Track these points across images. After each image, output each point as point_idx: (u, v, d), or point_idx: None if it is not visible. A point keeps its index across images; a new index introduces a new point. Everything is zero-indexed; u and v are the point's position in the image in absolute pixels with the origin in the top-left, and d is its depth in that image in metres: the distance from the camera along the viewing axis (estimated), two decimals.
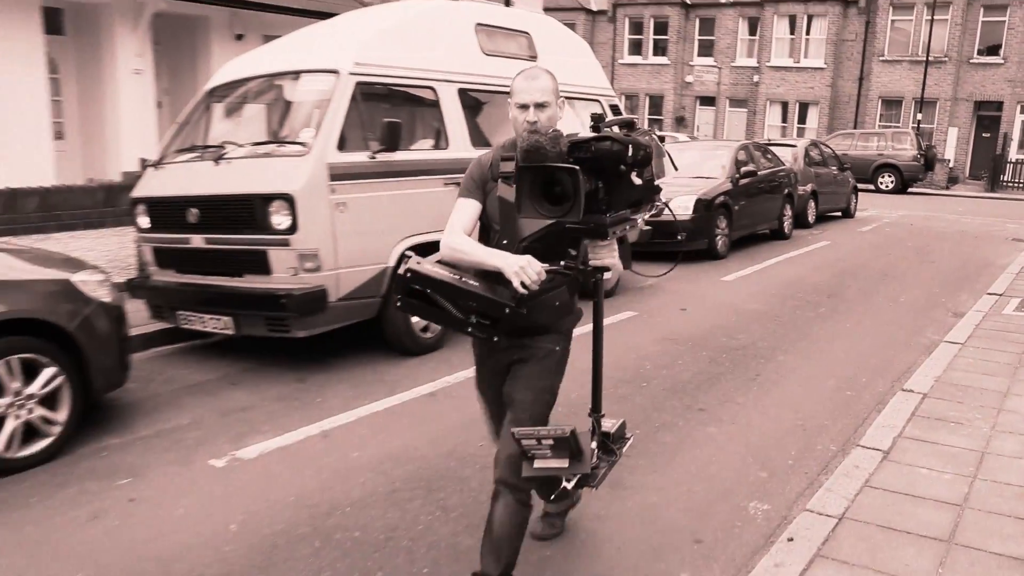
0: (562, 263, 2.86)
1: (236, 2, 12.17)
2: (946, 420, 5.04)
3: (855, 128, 33.63)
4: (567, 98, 8.60)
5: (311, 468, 4.51)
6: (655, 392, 5.89)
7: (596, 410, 3.27)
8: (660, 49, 39.73)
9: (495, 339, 2.87)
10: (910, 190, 27.34)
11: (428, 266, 2.77)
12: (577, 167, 2.59)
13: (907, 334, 7.75)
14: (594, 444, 3.03)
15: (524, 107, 2.93)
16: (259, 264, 6.04)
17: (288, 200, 5.86)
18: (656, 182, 3.12)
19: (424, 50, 7.12)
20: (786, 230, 14.55)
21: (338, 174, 6.05)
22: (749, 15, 37.77)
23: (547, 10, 19.65)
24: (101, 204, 8.66)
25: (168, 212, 6.51)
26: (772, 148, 15.94)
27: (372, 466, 4.53)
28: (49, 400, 4.66)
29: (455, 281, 2.74)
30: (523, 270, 2.65)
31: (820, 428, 5.23)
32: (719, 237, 12.05)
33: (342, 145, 6.18)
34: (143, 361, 6.40)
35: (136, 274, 7.16)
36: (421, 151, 7.08)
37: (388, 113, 6.64)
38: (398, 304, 2.90)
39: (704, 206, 11.64)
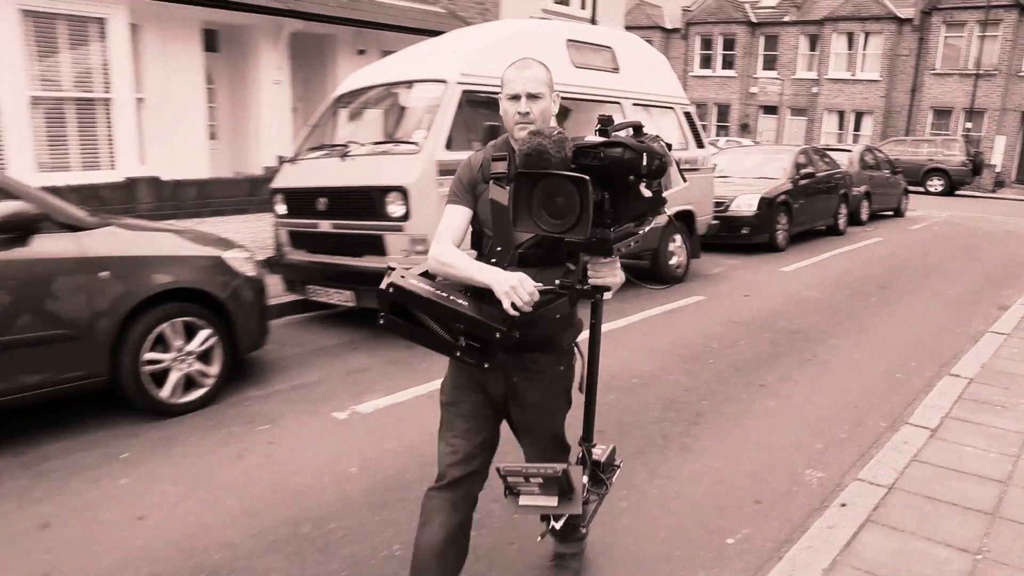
0: (557, 282, 2.24)
1: (360, 23, 12.31)
2: (991, 403, 4.77)
3: (907, 135, 32.17)
4: (645, 105, 8.61)
5: (418, 423, 4.55)
6: (720, 368, 5.75)
7: (587, 439, 2.58)
8: (727, 63, 38.76)
9: (485, 366, 2.21)
10: (958, 192, 25.98)
11: (413, 281, 2.17)
12: (587, 177, 2.01)
13: (954, 324, 7.37)
14: (585, 478, 2.48)
15: (515, 98, 2.34)
16: (376, 246, 6.12)
17: (403, 192, 5.94)
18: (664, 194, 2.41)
19: None
20: (841, 227, 14.00)
21: (445, 170, 6.07)
22: (810, 32, 36.46)
23: (627, 28, 19.34)
24: (246, 194, 8.92)
25: (301, 201, 6.66)
26: (829, 152, 15.35)
27: None
28: (204, 357, 4.83)
29: (441, 299, 2.14)
30: (514, 290, 2.08)
31: (871, 407, 5.01)
32: (779, 232, 11.67)
33: (449, 145, 6.22)
34: (279, 327, 6.56)
35: (274, 253, 7.34)
36: None
37: (488, 117, 6.59)
38: (381, 322, 2.23)
39: (767, 204, 11.29)
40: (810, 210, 12.71)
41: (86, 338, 4.29)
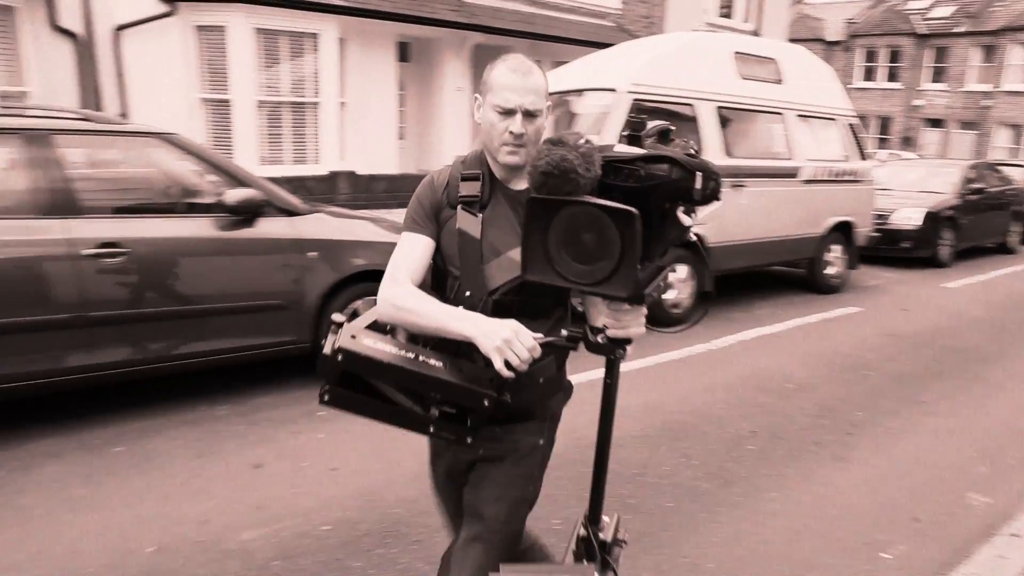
0: (565, 332, 1.63)
1: (535, 36, 12.46)
2: None
3: None
4: (807, 117, 8.17)
5: (580, 408, 4.49)
6: (877, 381, 5.36)
7: (595, 520, 1.85)
8: (892, 75, 36.04)
9: (468, 440, 1.59)
10: None
11: (367, 342, 1.52)
12: (635, 211, 1.37)
13: None
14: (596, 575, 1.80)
15: (508, 113, 1.66)
16: None
17: None
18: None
19: (687, 73, 6.94)
20: (1012, 245, 12.69)
21: None
22: (984, 43, 33.18)
23: (789, 40, 18.42)
24: None
25: None
26: (1002, 168, 13.94)
27: (629, 413, 4.49)
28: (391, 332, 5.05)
29: (408, 363, 1.50)
30: (508, 344, 1.47)
31: None
32: (944, 247, 10.71)
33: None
34: None
35: None
36: None
37: None
38: (324, 399, 1.57)
39: (931, 218, 10.40)
40: (979, 227, 11.60)
41: (295, 309, 4.61)
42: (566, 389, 1.99)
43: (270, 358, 4.77)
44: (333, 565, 2.92)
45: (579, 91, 7.16)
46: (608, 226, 1.39)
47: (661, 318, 6.55)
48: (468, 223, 1.73)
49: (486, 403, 1.52)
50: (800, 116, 7.95)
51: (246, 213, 4.40)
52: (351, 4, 9.90)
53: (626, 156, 1.53)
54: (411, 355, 1.53)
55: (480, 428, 1.58)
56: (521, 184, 1.75)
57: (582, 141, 1.49)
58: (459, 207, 1.74)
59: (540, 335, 1.53)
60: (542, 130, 1.72)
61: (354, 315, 1.67)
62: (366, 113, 10.91)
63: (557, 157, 1.44)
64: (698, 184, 1.48)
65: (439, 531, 3.16)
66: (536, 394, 1.80)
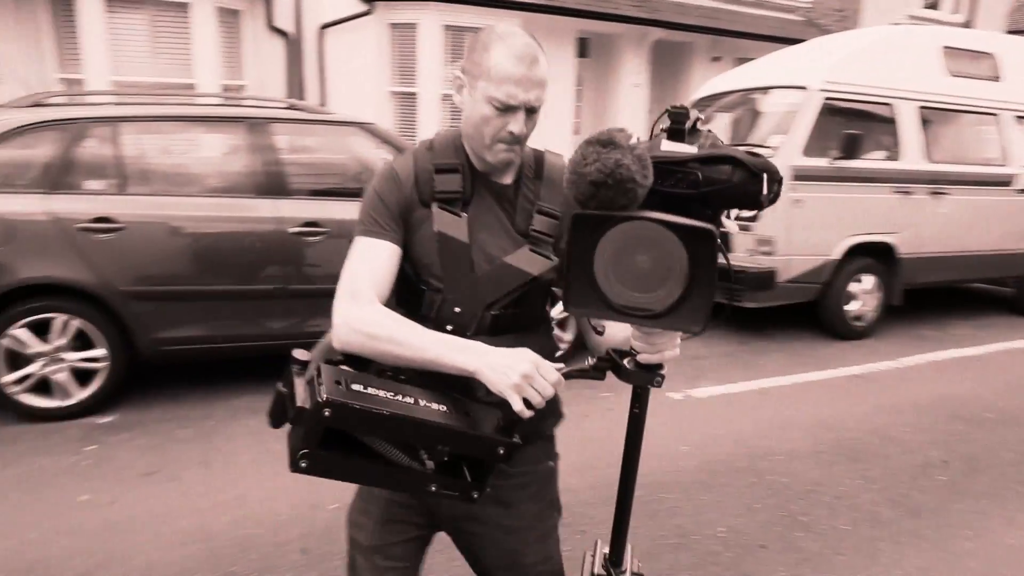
0: (590, 361, 1.33)
1: (718, 31, 12.09)
2: None
3: None
4: None
5: (749, 416, 4.40)
6: None
7: (617, 563, 1.49)
8: None
9: (475, 496, 1.29)
10: None
11: (357, 388, 1.17)
12: (713, 229, 1.12)
13: None
14: None
15: (508, 110, 1.36)
16: (723, 243, 5.99)
17: None
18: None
19: (886, 70, 6.44)
20: None
21: (799, 175, 5.75)
22: None
23: (1008, 31, 16.62)
24: None
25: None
26: None
27: (802, 427, 4.29)
28: (560, 324, 5.12)
29: (408, 411, 1.18)
30: (529, 381, 1.20)
31: None
32: None
33: (805, 150, 5.88)
34: None
35: None
36: (874, 160, 6.41)
37: (848, 125, 6.11)
38: (302, 465, 1.16)
39: None
40: None
41: None
42: (559, 413, 1.67)
43: None
44: None
45: (764, 89, 6.88)
46: (674, 246, 1.10)
47: (837, 325, 6.19)
48: (450, 225, 1.42)
49: (501, 452, 1.25)
50: (1019, 118, 7.16)
51: None
52: (537, 1, 10.07)
53: (678, 156, 1.19)
54: (409, 399, 1.22)
55: (489, 481, 1.30)
56: (507, 178, 1.49)
57: (634, 140, 1.14)
58: (435, 205, 1.42)
59: (562, 365, 1.26)
60: (533, 127, 1.43)
61: (295, 365, 1.23)
62: (544, 107, 11.05)
63: (611, 163, 1.09)
64: (764, 189, 1.19)
65: (603, 523, 3.18)
66: (538, 415, 1.35)
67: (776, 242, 5.74)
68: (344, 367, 1.27)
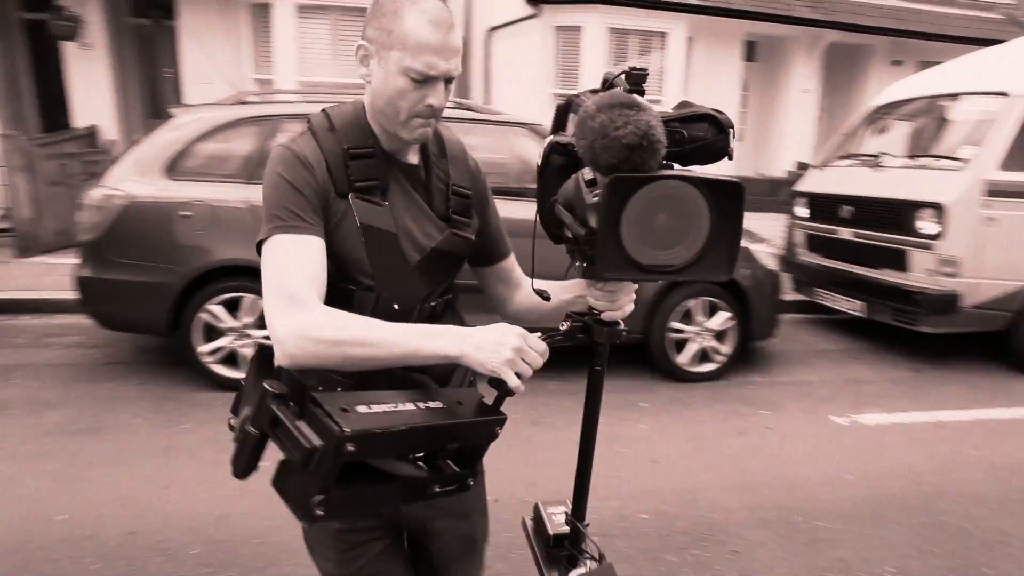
0: (563, 326, 1.30)
1: (900, 32, 11.28)
2: None
3: None
4: None
5: (924, 450, 4.08)
6: None
7: (580, 516, 1.48)
8: None
9: (471, 483, 1.26)
10: None
11: (363, 409, 1.07)
12: (741, 183, 1.15)
13: None
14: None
15: (427, 81, 1.25)
16: (897, 261, 5.59)
17: (938, 209, 5.30)
18: None
19: None
20: None
21: (995, 191, 5.26)
22: None
23: None
24: (765, 193, 8.96)
25: (824, 206, 6.40)
26: None
27: (986, 467, 3.92)
28: (720, 335, 5.00)
29: (418, 419, 1.12)
30: (520, 354, 1.16)
31: None
32: None
33: (1003, 164, 5.35)
34: (783, 323, 6.45)
35: (785, 252, 7.22)
36: None
37: None
38: (318, 513, 1.03)
39: None
40: None
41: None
42: None
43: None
44: (648, 554, 2.98)
45: (954, 95, 6.33)
46: (695, 200, 1.11)
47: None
48: (375, 216, 1.30)
49: (498, 430, 1.23)
50: None
51: None
52: (704, 3, 9.84)
53: (666, 116, 1.19)
54: (409, 406, 1.14)
55: (478, 464, 1.29)
56: (413, 157, 1.40)
57: (640, 102, 1.11)
58: (352, 196, 1.29)
59: (539, 334, 1.22)
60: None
61: (274, 401, 1.05)
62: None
63: (644, 125, 1.07)
64: (732, 145, 1.23)
65: (760, 547, 3.07)
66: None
67: (962, 263, 5.27)
68: (337, 390, 1.19)
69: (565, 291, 1.44)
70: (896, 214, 5.61)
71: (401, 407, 1.12)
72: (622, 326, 1.32)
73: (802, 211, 6.74)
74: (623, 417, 4.32)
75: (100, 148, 8.71)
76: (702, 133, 1.21)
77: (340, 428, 0.98)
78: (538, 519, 1.46)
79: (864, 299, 5.80)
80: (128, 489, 3.25)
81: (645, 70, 1.21)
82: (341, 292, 1.30)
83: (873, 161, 6.17)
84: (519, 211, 4.61)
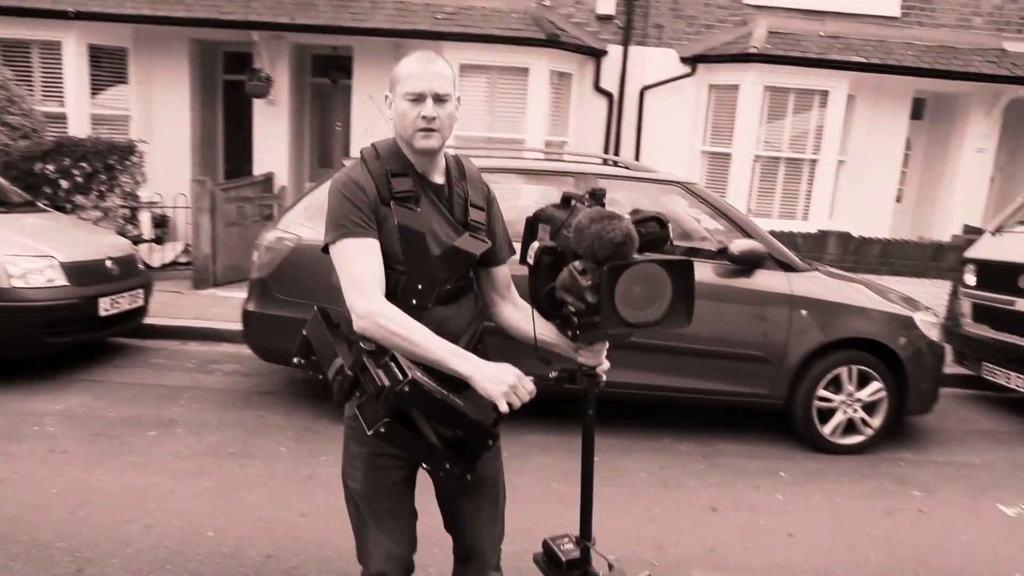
0: (553, 374, 1.75)
1: None
2: None
3: None
4: None
5: (1011, 548, 3.55)
6: None
7: (587, 536, 1.90)
8: None
9: (468, 477, 1.70)
10: None
11: (419, 374, 1.56)
12: (691, 261, 1.66)
13: None
14: None
15: (418, 99, 1.71)
16: None
17: None
18: None
19: None
20: None
21: None
22: None
23: None
24: (928, 258, 8.29)
25: (998, 274, 5.82)
26: None
27: None
28: (869, 407, 4.62)
29: (445, 397, 1.58)
30: (514, 390, 1.59)
31: None
32: None
33: None
34: (942, 397, 5.89)
35: (947, 321, 6.63)
36: None
37: None
38: (382, 431, 1.57)
39: None
40: None
41: (776, 364, 4.52)
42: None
43: (739, 406, 4.76)
44: None
45: None
46: (661, 275, 1.60)
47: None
48: (409, 218, 1.74)
49: (491, 443, 1.69)
50: None
51: (747, 264, 4.47)
52: (870, 60, 9.41)
53: (638, 217, 1.70)
54: (443, 390, 1.57)
55: (476, 465, 1.71)
56: (439, 178, 1.83)
57: (614, 216, 1.61)
58: (393, 203, 1.74)
59: (532, 377, 1.66)
60: (454, 118, 1.78)
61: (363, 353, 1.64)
62: (864, 172, 10.22)
63: (626, 228, 1.59)
64: (671, 234, 1.72)
65: None
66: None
67: None
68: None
69: (548, 331, 1.86)
70: None
71: (439, 387, 1.55)
72: (603, 378, 1.80)
73: (971, 278, 6.17)
74: (759, 485, 4.07)
75: (274, 194, 9.50)
76: (654, 231, 1.69)
77: (405, 373, 1.51)
78: (548, 552, 1.81)
79: None
80: (268, 512, 3.43)
81: (603, 190, 1.72)
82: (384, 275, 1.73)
83: None
84: None
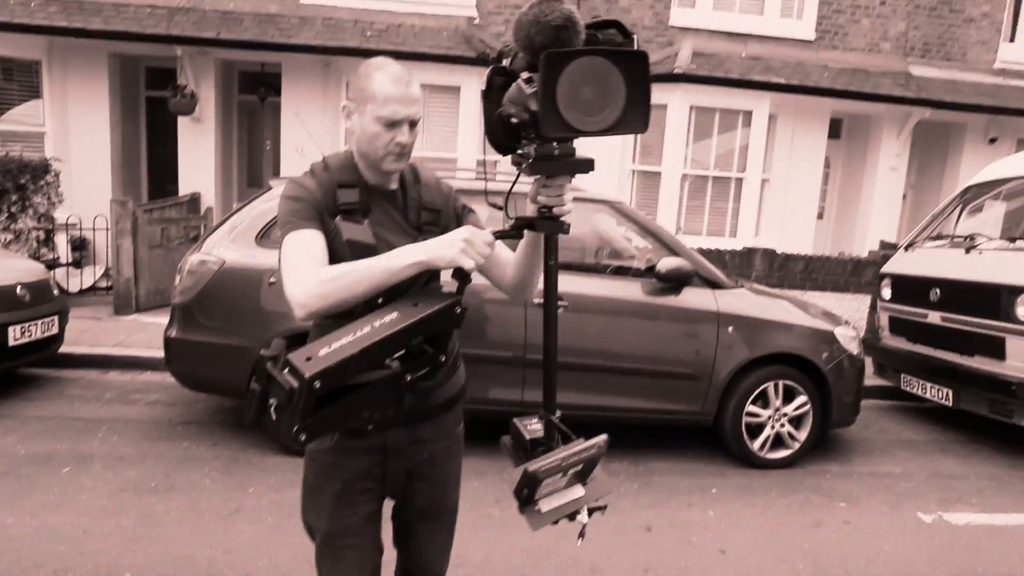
0: (507, 224, 1.58)
1: (997, 110, 10.85)
2: None
3: None
4: None
5: (1022, 556, 3.72)
6: None
7: (552, 408, 1.60)
8: None
9: (442, 359, 1.57)
10: None
11: (325, 351, 1.33)
12: (645, 52, 1.41)
13: None
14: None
15: (394, 125, 1.63)
16: (993, 348, 5.22)
17: None
18: None
19: None
20: None
21: None
22: None
23: None
24: (848, 273, 8.63)
25: (912, 288, 6.09)
26: None
27: None
28: (796, 421, 4.74)
29: (375, 338, 1.37)
30: (470, 244, 1.48)
31: None
32: None
33: None
34: (863, 409, 6.11)
35: (866, 335, 6.88)
36: None
37: None
38: (302, 439, 1.33)
39: None
40: None
41: (704, 380, 4.59)
42: (461, 372, 1.93)
43: (668, 424, 4.82)
44: None
45: None
46: (612, 73, 1.38)
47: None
48: (356, 232, 1.65)
49: (459, 311, 1.51)
50: None
51: (674, 281, 4.54)
52: (789, 82, 9.76)
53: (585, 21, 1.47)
54: (366, 329, 1.39)
55: (449, 345, 1.60)
56: (392, 184, 1.77)
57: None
58: (339, 217, 1.65)
59: (490, 230, 1.55)
60: (414, 139, 1.71)
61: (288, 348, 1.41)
62: (787, 190, 10.59)
63: (566, 11, 1.40)
64: (635, 44, 1.47)
65: None
66: (450, 371, 1.83)
67: None
68: (303, 346, 1.39)
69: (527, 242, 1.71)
70: (993, 299, 5.27)
71: (359, 333, 1.37)
72: (568, 223, 1.54)
73: (887, 292, 6.44)
74: (692, 503, 4.12)
75: (201, 215, 9.21)
76: (612, 36, 1.47)
77: (307, 374, 1.27)
78: (515, 433, 1.58)
79: (953, 387, 5.43)
80: (193, 550, 3.28)
81: None
82: None
83: (966, 243, 5.87)
84: (595, 287, 4.58)
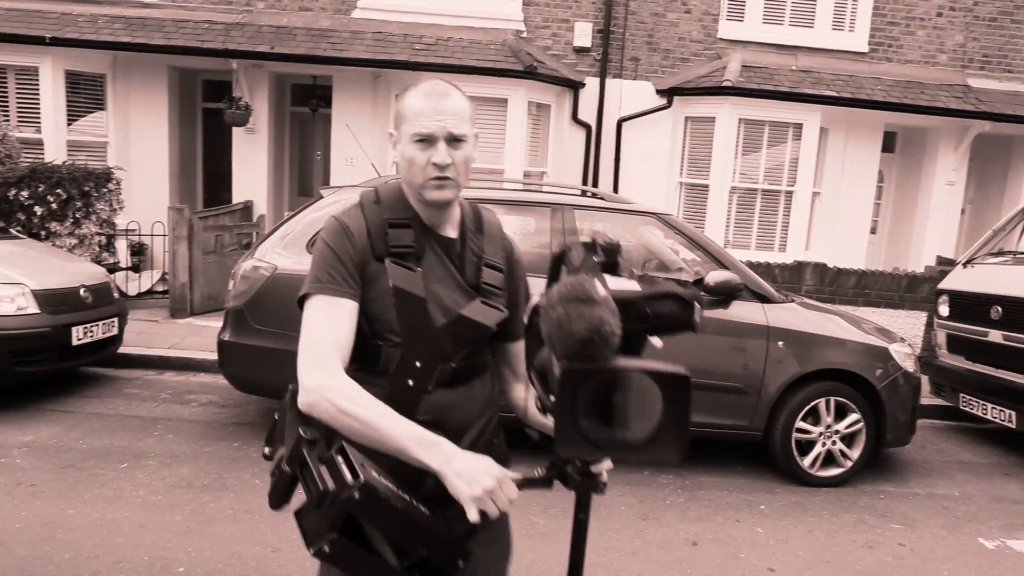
0: (539, 472, 1.31)
1: None
2: None
3: None
4: None
5: None
6: None
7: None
8: None
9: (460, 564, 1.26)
10: None
11: (375, 474, 1.18)
12: (687, 374, 1.14)
13: None
14: None
15: (428, 141, 1.39)
16: None
17: None
18: None
19: None
20: None
21: None
22: None
23: None
24: (903, 289, 8.40)
25: (971, 305, 5.91)
26: None
27: None
28: (848, 438, 4.64)
29: (406, 506, 1.19)
30: (491, 496, 1.22)
31: None
32: None
33: None
34: (920, 428, 5.92)
35: (923, 352, 6.70)
36: None
37: None
38: (325, 550, 1.14)
39: None
40: None
41: (753, 395, 4.53)
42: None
43: (717, 438, 4.75)
44: None
45: None
46: (648, 388, 1.13)
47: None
48: (405, 280, 1.41)
49: (460, 565, 1.25)
50: None
51: (723, 295, 4.49)
52: (841, 94, 9.61)
53: (629, 295, 1.22)
54: (406, 496, 1.20)
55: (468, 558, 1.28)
56: (452, 231, 1.52)
57: (601, 291, 1.15)
58: (388, 260, 1.42)
59: (518, 476, 1.29)
60: (471, 160, 1.46)
61: (330, 434, 1.26)
62: (839, 204, 10.39)
63: (596, 321, 1.12)
64: (697, 318, 1.25)
65: None
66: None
67: None
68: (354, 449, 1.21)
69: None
70: None
71: (400, 493, 1.19)
72: (604, 478, 1.31)
73: (944, 309, 6.25)
74: (740, 519, 4.05)
75: (253, 222, 9.44)
76: (668, 310, 1.25)
77: (356, 473, 1.13)
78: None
79: (1017, 408, 5.23)
80: (241, 547, 3.34)
81: (618, 244, 1.30)
82: (369, 347, 1.44)
83: None
84: None
